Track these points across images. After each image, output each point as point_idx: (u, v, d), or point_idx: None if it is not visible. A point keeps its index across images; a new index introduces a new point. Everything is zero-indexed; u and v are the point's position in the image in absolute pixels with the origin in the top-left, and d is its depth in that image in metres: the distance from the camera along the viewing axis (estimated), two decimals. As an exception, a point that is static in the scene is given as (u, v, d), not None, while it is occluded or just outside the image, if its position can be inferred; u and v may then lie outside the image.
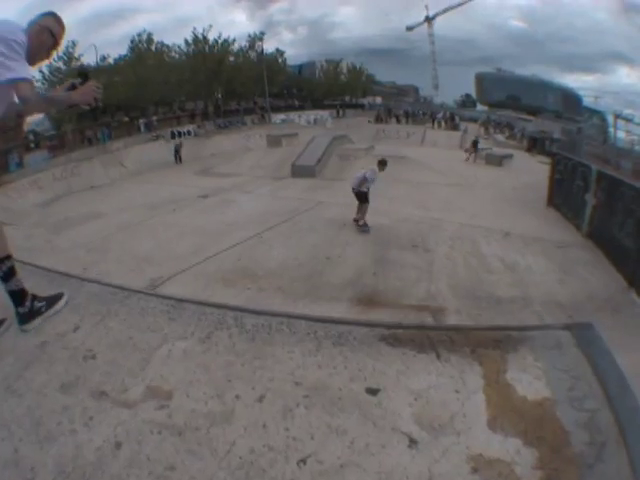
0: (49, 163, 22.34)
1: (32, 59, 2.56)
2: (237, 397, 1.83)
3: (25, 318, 2.60)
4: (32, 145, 29.31)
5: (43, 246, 9.77)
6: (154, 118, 33.82)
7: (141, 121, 33.22)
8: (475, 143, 24.53)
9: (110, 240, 9.66)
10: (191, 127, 32.95)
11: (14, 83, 2.31)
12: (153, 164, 24.18)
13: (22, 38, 2.39)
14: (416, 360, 1.87)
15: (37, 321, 2.61)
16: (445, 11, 52.54)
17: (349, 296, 6.27)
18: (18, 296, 2.61)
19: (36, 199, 17.73)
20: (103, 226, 11.08)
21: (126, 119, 35.09)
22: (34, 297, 2.69)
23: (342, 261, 7.65)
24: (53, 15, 2.69)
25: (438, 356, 1.85)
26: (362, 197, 9.61)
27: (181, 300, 2.75)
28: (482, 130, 34.76)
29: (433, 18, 53.34)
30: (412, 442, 1.42)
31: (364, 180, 9.52)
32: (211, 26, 40.53)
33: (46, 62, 2.94)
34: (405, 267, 7.34)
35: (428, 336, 2.03)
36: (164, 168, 23.85)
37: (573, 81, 54.98)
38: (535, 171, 19.63)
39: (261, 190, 14.78)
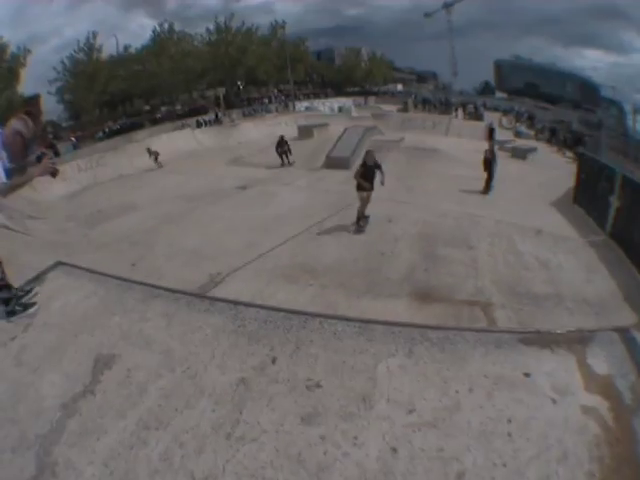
0: (74, 154, 22.24)
1: (13, 153, 3.53)
2: (457, 392, 2.34)
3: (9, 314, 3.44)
4: (50, 136, 29.56)
5: (80, 241, 9.71)
6: (178, 107, 33.69)
7: (163, 109, 33.14)
8: (491, 131, 24.45)
9: (153, 233, 9.52)
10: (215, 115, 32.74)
11: None
12: (181, 153, 23.86)
13: None
14: (541, 353, 2.56)
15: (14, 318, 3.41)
16: None
17: (407, 292, 6.30)
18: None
19: (61, 191, 17.36)
20: (142, 218, 10.91)
21: (147, 108, 35.06)
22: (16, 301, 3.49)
23: (395, 257, 7.65)
24: (21, 118, 3.57)
25: (552, 351, 2.56)
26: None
27: (365, 321, 2.93)
28: (504, 120, 34.30)
29: (452, 4, 52.35)
30: (554, 401, 2.20)
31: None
32: (233, 15, 40.33)
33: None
34: (453, 263, 7.36)
35: (543, 337, 2.72)
36: (192, 157, 23.49)
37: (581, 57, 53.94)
38: (558, 165, 19.58)
39: (299, 182, 14.55)
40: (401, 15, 55.02)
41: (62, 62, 36.15)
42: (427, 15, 52.50)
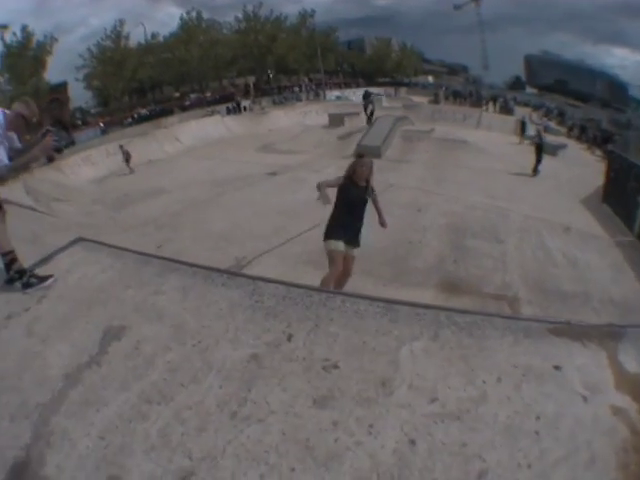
0: (102, 139, 22.63)
1: (16, 132, 3.79)
2: (484, 381, 2.17)
3: (24, 286, 3.56)
4: (79, 122, 30.16)
5: (106, 223, 9.80)
6: (207, 94, 33.93)
7: (192, 96, 33.40)
8: (523, 124, 24.14)
9: (180, 217, 9.52)
10: (246, 102, 32.80)
11: None
12: (210, 140, 23.98)
13: None
14: (572, 346, 2.38)
15: (30, 290, 3.52)
16: None
17: (434, 282, 6.26)
18: (20, 272, 3.60)
19: (90, 175, 17.74)
20: (168, 202, 10.94)
21: (177, 94, 35.42)
22: (31, 274, 3.64)
23: (423, 246, 7.57)
24: (24, 101, 3.83)
25: (583, 344, 2.38)
26: None
27: (389, 302, 2.75)
28: (534, 116, 33.73)
29: None
30: (584, 398, 2.05)
31: None
32: (261, 3, 40.34)
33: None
34: (481, 256, 7.28)
35: (574, 330, 2.51)
36: (221, 144, 23.46)
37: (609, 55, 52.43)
38: (587, 163, 19.60)
39: (329, 170, 13.84)
40: (430, 6, 54.06)
41: (89, 49, 36.80)
42: (456, 7, 51.38)
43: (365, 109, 23.24)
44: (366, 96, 24.07)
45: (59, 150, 4.17)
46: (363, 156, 5.17)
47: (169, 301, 3.05)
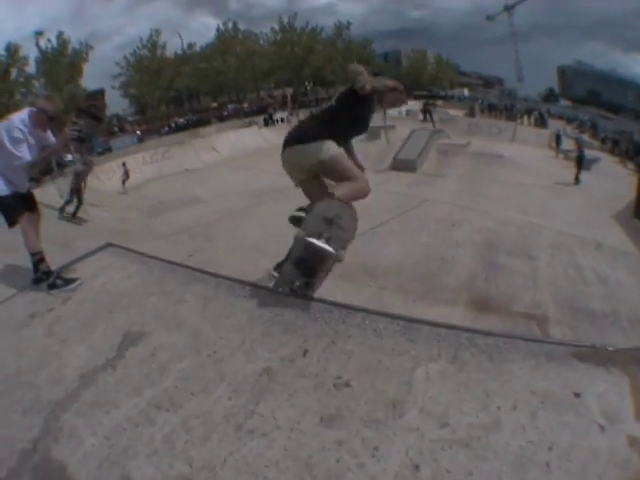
0: (138, 147, 23.17)
1: (41, 128, 3.90)
2: (498, 408, 2.06)
3: (49, 287, 3.74)
4: (116, 129, 31.09)
5: (140, 229, 9.97)
6: (245, 105, 34.50)
7: (230, 106, 34.00)
8: (558, 137, 24.18)
9: (214, 226, 9.59)
10: (283, 114, 33.19)
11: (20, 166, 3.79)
12: (247, 150, 24.27)
13: (17, 133, 3.72)
14: (595, 372, 2.26)
15: (56, 291, 3.69)
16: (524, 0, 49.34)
17: (465, 300, 6.18)
18: (46, 274, 3.82)
19: (126, 182, 17.91)
20: (204, 212, 11.04)
21: (214, 105, 36.13)
22: (57, 276, 3.83)
23: (455, 262, 7.49)
24: (48, 97, 4.05)
25: (607, 370, 2.25)
26: None
27: (411, 320, 2.67)
28: (568, 129, 33.14)
29: (512, 7, 50.37)
30: (601, 428, 1.93)
31: None
32: (296, 14, 40.95)
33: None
34: (513, 273, 7.17)
35: (599, 354, 2.39)
36: (258, 155, 23.45)
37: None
38: (620, 176, 19.21)
39: None
40: (464, 18, 54.08)
41: (125, 58, 38.03)
42: (489, 18, 51.00)
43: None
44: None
45: (82, 140, 4.26)
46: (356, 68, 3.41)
47: (190, 310, 3.08)
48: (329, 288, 5.99)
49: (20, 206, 4.01)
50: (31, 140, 3.87)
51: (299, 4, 65.67)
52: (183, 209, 11.85)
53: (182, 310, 3.10)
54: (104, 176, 17.81)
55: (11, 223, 3.99)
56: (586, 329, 5.55)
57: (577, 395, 2.12)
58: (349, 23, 43.79)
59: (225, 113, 34.54)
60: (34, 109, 3.89)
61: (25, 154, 3.80)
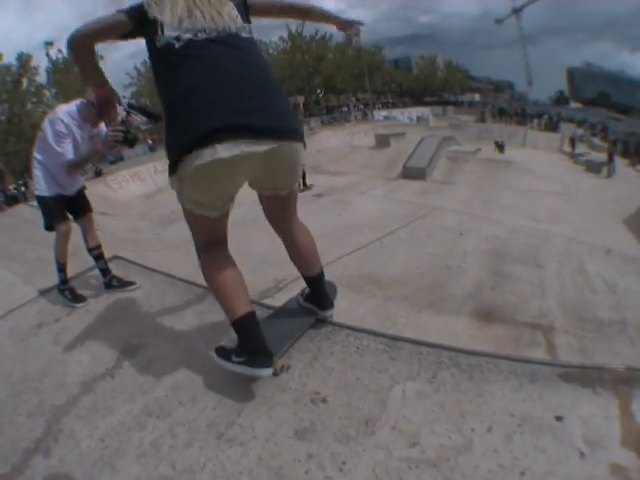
0: (150, 156, 23.35)
1: (90, 123, 3.69)
2: (472, 430, 2.06)
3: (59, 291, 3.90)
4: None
5: (151, 239, 10.04)
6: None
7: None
8: (573, 141, 24.71)
9: None
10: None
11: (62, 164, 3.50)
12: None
13: (60, 127, 3.43)
14: (581, 394, 2.21)
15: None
16: (532, 2, 49.02)
17: (470, 310, 6.00)
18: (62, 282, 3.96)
19: (137, 191, 18.20)
20: None
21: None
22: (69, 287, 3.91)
23: (462, 272, 7.31)
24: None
25: (594, 391, 2.20)
26: None
27: (394, 338, 2.72)
28: (578, 132, 32.91)
29: (520, 9, 50.08)
30: (582, 454, 1.87)
31: None
32: (304, 22, 41.17)
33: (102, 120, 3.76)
34: (520, 282, 6.94)
35: (588, 374, 2.33)
36: None
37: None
38: (630, 179, 19.07)
39: (374, 191, 14.53)
40: (472, 23, 54.30)
41: (136, 68, 38.47)
42: (498, 22, 51.00)
43: None
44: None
45: (130, 142, 3.84)
46: None
47: (186, 325, 3.24)
48: (336, 300, 6.06)
49: (59, 212, 3.79)
50: (78, 136, 3.56)
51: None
52: (195, 218, 11.95)
53: (180, 324, 3.26)
54: (116, 185, 17.99)
55: (48, 227, 3.85)
56: (593, 338, 5.41)
57: (558, 419, 2.07)
58: (358, 30, 43.93)
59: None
60: (84, 101, 3.60)
61: (67, 151, 3.47)
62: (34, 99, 33.38)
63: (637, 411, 2.07)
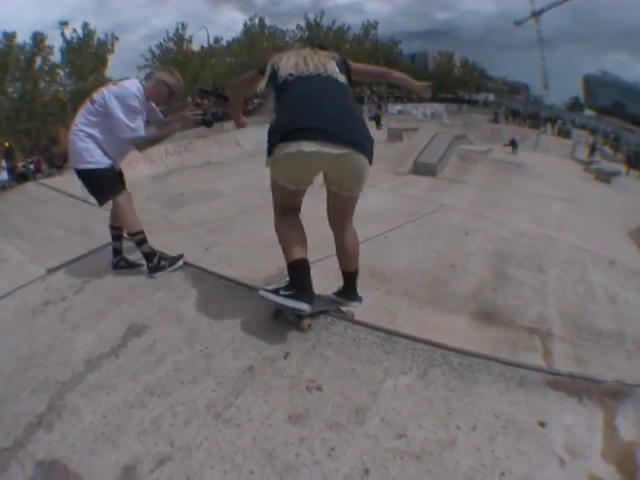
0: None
1: (156, 103, 3.78)
2: (457, 427, 2.13)
3: (152, 270, 3.75)
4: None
5: (159, 221, 9.91)
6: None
7: (255, 101, 34.25)
8: (593, 147, 25.35)
9: (232, 221, 9.67)
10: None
11: (132, 140, 3.57)
12: (272, 146, 24.36)
13: (135, 103, 3.45)
14: (567, 402, 2.27)
15: (161, 273, 3.75)
16: (551, 6, 48.37)
17: (470, 310, 6.13)
18: (148, 255, 3.77)
19: (147, 172, 17.90)
20: (224, 206, 11.16)
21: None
22: (161, 256, 3.80)
23: (466, 271, 7.45)
24: (170, 71, 3.80)
25: (580, 401, 2.26)
26: None
27: (390, 333, 2.80)
28: (590, 140, 32.69)
29: (540, 13, 49.40)
30: (562, 462, 1.94)
31: None
32: (323, 12, 41.00)
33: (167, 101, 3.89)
34: (522, 286, 7.07)
35: (575, 384, 2.39)
36: None
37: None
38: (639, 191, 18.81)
39: (384, 185, 14.19)
40: (490, 22, 53.77)
41: (150, 50, 38.40)
42: (517, 23, 50.43)
43: None
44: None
45: (208, 123, 4.17)
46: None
47: (190, 307, 3.31)
48: (334, 289, 6.09)
49: (118, 182, 3.80)
50: (144, 114, 3.61)
51: (325, 1, 65.58)
52: (203, 202, 11.93)
53: (183, 307, 3.33)
54: (127, 166, 17.86)
55: (104, 200, 3.80)
56: (589, 348, 5.49)
57: (542, 424, 2.12)
58: (376, 22, 43.66)
59: (250, 107, 34.80)
60: (148, 82, 3.64)
61: (140, 127, 3.52)
62: (47, 78, 33.44)
63: (621, 425, 2.12)
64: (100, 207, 4.01)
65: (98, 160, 3.58)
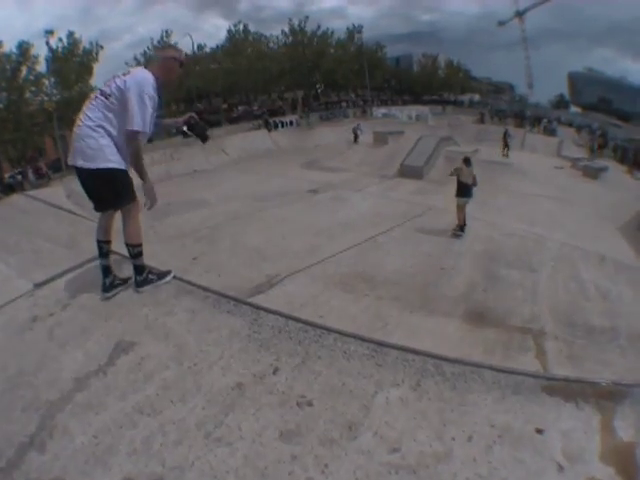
0: (147, 147, 23.28)
1: (165, 85, 3.46)
2: (453, 438, 2.11)
3: (140, 284, 3.65)
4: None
5: (146, 231, 9.89)
6: (255, 107, 34.79)
7: (240, 108, 34.26)
8: (592, 148, 25.30)
9: (219, 230, 9.68)
10: (293, 117, 33.44)
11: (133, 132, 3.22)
12: (255, 153, 24.62)
13: (151, 90, 3.22)
14: (564, 407, 2.25)
15: (148, 287, 3.66)
16: (536, 5, 48.94)
17: (461, 312, 6.17)
18: (139, 268, 3.65)
19: (133, 181, 17.89)
20: (210, 215, 11.14)
21: (225, 106, 36.37)
22: (150, 270, 3.72)
23: (455, 273, 7.51)
24: (171, 46, 3.88)
25: (577, 405, 2.25)
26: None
27: (381, 344, 2.78)
28: (577, 137, 33.03)
29: (524, 12, 49.95)
30: (560, 468, 1.92)
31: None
32: (307, 17, 41.20)
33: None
34: (513, 285, 7.16)
35: (571, 388, 2.39)
36: (267, 158, 23.98)
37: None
38: (628, 186, 19.32)
39: (370, 189, 14.63)
40: (474, 22, 54.37)
41: (135, 58, 38.29)
42: (501, 23, 50.94)
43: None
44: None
45: (184, 134, 4.18)
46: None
47: (177, 323, 3.27)
48: (326, 297, 6.14)
49: (134, 187, 3.53)
50: (155, 102, 3.33)
51: (308, 6, 65.87)
52: (189, 212, 11.92)
53: (171, 322, 3.30)
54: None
55: (119, 204, 3.63)
56: (583, 345, 5.51)
57: (539, 431, 2.10)
58: (360, 26, 43.87)
59: (235, 115, 34.79)
60: (154, 64, 3.45)
61: (146, 124, 3.27)
62: (33, 88, 33.13)
63: (619, 427, 2.12)
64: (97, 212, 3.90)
65: (119, 160, 3.34)
